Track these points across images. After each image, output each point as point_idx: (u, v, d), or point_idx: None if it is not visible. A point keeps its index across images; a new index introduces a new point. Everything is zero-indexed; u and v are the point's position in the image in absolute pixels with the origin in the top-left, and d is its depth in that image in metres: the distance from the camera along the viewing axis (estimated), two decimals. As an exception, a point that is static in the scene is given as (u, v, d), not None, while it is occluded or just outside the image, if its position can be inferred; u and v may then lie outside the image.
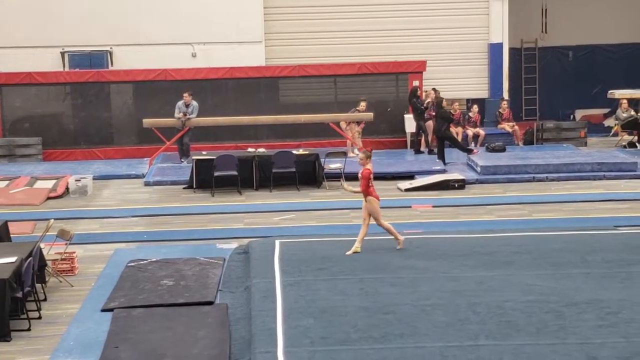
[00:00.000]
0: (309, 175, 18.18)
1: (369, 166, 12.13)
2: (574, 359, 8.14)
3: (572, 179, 18.16)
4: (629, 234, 13.14)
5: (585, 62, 27.19)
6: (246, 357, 8.63)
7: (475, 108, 23.16)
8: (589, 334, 8.74)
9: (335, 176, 18.19)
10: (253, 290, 10.51)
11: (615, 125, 23.71)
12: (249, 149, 19.01)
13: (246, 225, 14.85)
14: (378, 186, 17.78)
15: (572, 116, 26.68)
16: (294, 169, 17.85)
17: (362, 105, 21.43)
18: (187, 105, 20.51)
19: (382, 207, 15.76)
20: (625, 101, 22.97)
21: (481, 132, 22.73)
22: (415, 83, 22.64)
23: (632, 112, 22.61)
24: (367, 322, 9.24)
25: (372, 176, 12.11)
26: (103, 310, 10.28)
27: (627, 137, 22.81)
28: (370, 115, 20.99)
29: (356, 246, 12.03)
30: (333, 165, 18.43)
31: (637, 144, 22.24)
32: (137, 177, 19.41)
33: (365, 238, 12.97)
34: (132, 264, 12.08)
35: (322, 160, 18.19)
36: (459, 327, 9.04)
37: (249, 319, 9.58)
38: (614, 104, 24.29)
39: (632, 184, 17.72)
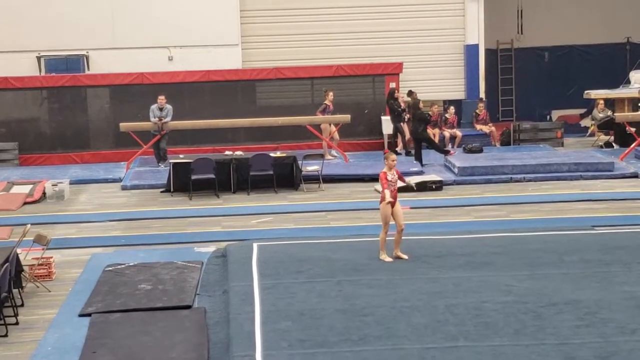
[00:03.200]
0: (286, 177, 18.16)
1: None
2: (553, 359, 8.16)
3: (549, 180, 18.24)
4: (606, 234, 13.21)
5: (561, 62, 27.37)
6: (224, 361, 8.60)
7: (451, 109, 23.24)
8: (567, 334, 8.76)
9: (312, 178, 18.19)
10: (231, 294, 10.47)
11: (591, 125, 23.85)
12: (227, 152, 18.98)
13: (224, 229, 14.81)
14: (356, 188, 17.99)
15: (548, 117, 26.84)
16: (271, 172, 17.83)
17: (330, 95, 21.44)
18: (161, 109, 20.45)
19: (359, 210, 15.95)
20: (601, 101, 23.11)
21: (458, 133, 22.81)
22: (392, 85, 22.71)
23: (609, 112, 22.75)
24: (345, 325, 9.22)
25: (386, 176, 11.69)
26: (81, 315, 10.20)
27: (603, 137, 22.95)
28: (347, 117, 21.00)
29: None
30: (310, 167, 18.42)
31: (613, 143, 22.38)
32: (114, 181, 19.32)
33: (342, 240, 13.04)
34: (110, 268, 12.02)
35: (299, 162, 18.17)
36: (438, 328, 9.04)
37: (227, 323, 9.54)
38: (590, 104, 24.44)
39: (608, 184, 17.83)
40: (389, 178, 11.60)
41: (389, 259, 11.60)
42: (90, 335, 9.46)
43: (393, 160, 11.63)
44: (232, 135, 22.24)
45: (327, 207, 16.21)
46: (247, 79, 22.93)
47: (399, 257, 11.67)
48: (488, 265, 11.35)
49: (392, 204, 11.58)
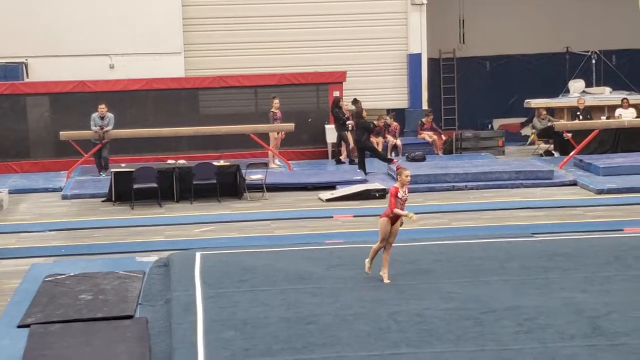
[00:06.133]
0: (230, 186, 18.09)
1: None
2: (493, 365, 8.26)
3: (491, 188, 18.44)
4: (546, 241, 13.37)
5: (502, 72, 27.70)
6: (166, 372, 8.53)
7: (389, 119, 23.32)
8: (507, 340, 8.85)
9: (256, 187, 18.15)
10: (173, 303, 10.39)
11: (532, 134, 24.17)
12: (169, 161, 18.86)
13: (166, 238, 14.70)
14: (300, 197, 18.00)
15: (490, 125, 27.13)
16: (214, 181, 17.75)
17: (276, 102, 21.44)
18: (102, 118, 20.26)
19: (303, 218, 15.95)
20: (543, 110, 23.43)
21: (398, 142, 22.90)
22: (336, 93, 22.77)
23: (549, 121, 23.05)
24: (289, 333, 9.21)
25: (396, 193, 10.79)
26: (19, 327, 10.02)
27: (543, 146, 23.26)
28: (291, 125, 21.02)
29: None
30: (254, 176, 18.38)
31: (553, 152, 22.68)
32: (54, 190, 19.06)
33: (286, 249, 13.02)
34: (50, 278, 11.84)
35: (243, 171, 18.13)
36: (380, 336, 9.07)
37: (169, 333, 9.47)
38: (531, 113, 24.79)
39: (548, 191, 18.07)
40: (400, 195, 10.71)
41: (367, 271, 10.98)
42: (30, 347, 9.31)
43: (407, 176, 10.72)
44: (175, 144, 22.09)
45: (270, 216, 16.19)
46: (190, 88, 22.83)
47: (382, 277, 10.90)
48: (430, 272, 11.42)
49: (393, 222, 10.82)
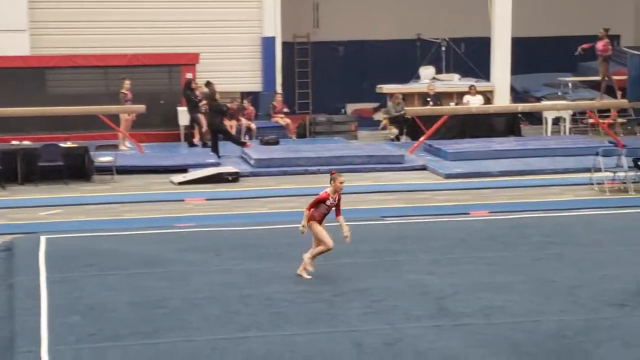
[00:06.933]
0: (78, 168, 17.62)
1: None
2: (342, 346, 8.29)
3: (343, 172, 18.28)
4: (395, 224, 13.61)
5: (355, 57, 28.01)
6: (7, 358, 8.20)
7: (246, 102, 23.26)
8: (356, 321, 8.94)
9: (106, 170, 17.74)
10: (16, 288, 10.05)
11: (384, 119, 24.53)
12: (13, 142, 18.19)
13: (10, 221, 14.20)
14: (150, 179, 17.70)
15: (343, 110, 27.40)
16: (61, 163, 17.25)
17: (127, 83, 20.98)
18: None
19: (153, 201, 15.69)
20: (400, 95, 23.73)
21: (252, 126, 22.85)
22: (188, 75, 22.49)
23: (403, 108, 23.41)
24: (137, 318, 9.04)
25: (324, 199, 10.30)
26: None
27: (395, 131, 23.64)
28: (142, 107, 20.61)
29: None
30: (103, 158, 17.98)
31: (398, 137, 23.01)
32: None
33: (135, 232, 12.80)
34: None
35: (92, 153, 17.68)
36: (230, 319, 9.01)
37: (12, 318, 9.14)
38: (383, 98, 25.15)
39: (399, 175, 18.38)
40: (328, 203, 10.23)
41: (307, 276, 10.35)
42: None
43: (341, 183, 10.27)
44: (19, 124, 21.24)
45: (120, 199, 15.87)
46: (36, 67, 22.07)
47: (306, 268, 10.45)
48: (280, 256, 11.41)
49: (319, 222, 10.36)
